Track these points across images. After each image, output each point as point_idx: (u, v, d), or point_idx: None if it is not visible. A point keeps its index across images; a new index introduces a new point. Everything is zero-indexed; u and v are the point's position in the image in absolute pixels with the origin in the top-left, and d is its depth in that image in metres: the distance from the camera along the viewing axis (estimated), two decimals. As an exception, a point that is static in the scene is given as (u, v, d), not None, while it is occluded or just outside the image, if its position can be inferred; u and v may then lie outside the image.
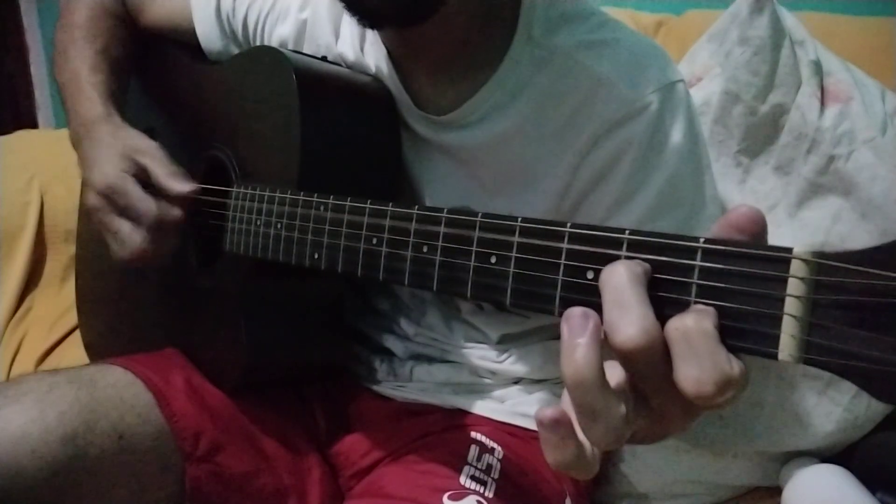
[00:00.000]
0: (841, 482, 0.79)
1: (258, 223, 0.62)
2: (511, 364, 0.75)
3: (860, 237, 0.80)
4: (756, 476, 0.87)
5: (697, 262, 0.32)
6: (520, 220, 0.38)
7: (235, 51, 0.80)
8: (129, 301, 0.86)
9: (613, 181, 0.61)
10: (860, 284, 0.28)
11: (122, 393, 0.64)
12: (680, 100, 0.62)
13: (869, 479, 0.79)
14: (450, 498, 0.61)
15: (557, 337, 0.33)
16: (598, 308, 0.32)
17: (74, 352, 1.06)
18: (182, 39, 0.84)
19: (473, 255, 0.41)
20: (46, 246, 1.23)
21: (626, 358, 0.31)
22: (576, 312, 0.32)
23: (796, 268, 0.29)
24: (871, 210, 0.79)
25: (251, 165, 0.68)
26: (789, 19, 0.87)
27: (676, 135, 0.61)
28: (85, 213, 0.95)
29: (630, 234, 0.34)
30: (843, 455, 0.84)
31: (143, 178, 0.69)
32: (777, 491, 0.84)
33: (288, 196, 0.58)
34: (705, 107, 0.86)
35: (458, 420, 0.74)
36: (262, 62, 0.69)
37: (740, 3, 0.86)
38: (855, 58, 0.91)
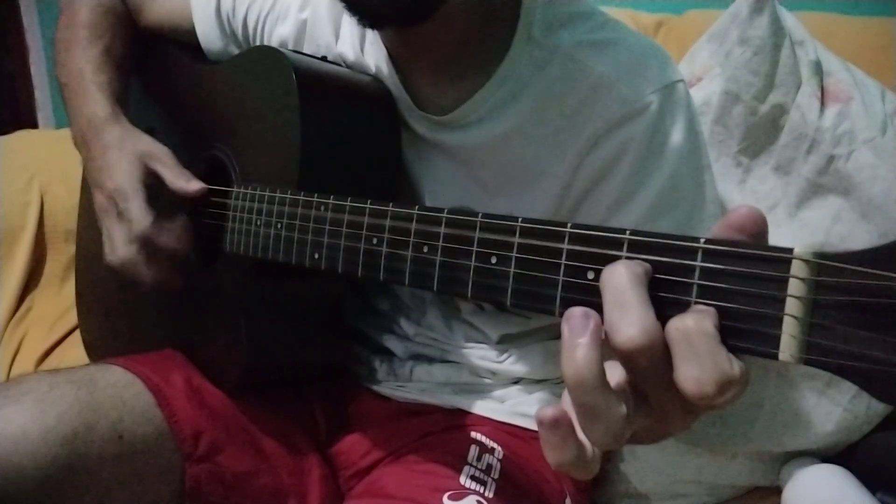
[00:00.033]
0: (841, 482, 0.79)
1: (258, 223, 0.62)
2: (511, 364, 0.75)
3: (860, 237, 0.80)
4: (756, 476, 0.87)
5: (698, 263, 0.32)
6: (520, 220, 0.38)
7: (235, 51, 0.80)
8: (129, 301, 0.86)
9: (613, 181, 0.61)
10: (861, 285, 0.28)
11: (122, 393, 0.64)
12: (680, 100, 0.62)
13: (869, 479, 0.79)
14: (450, 498, 0.61)
15: (557, 337, 0.33)
16: (598, 308, 0.32)
17: (74, 352, 1.06)
18: (182, 39, 0.84)
19: (474, 255, 0.41)
20: (46, 246, 1.23)
21: (627, 358, 0.31)
22: (576, 312, 0.32)
23: (797, 268, 0.29)
24: (871, 210, 0.79)
25: (251, 165, 0.68)
26: (789, 19, 0.87)
27: (676, 135, 0.61)
28: (85, 213, 0.95)
29: (631, 234, 0.34)
30: (843, 455, 0.85)
31: (154, 183, 0.70)
32: (777, 491, 0.84)
33: (288, 196, 0.58)
34: (705, 107, 0.86)
35: (458, 420, 0.74)
36: (262, 62, 0.69)
37: (740, 3, 0.86)
38: (855, 58, 0.91)
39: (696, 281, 0.32)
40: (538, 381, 0.77)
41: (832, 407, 0.82)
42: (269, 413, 0.73)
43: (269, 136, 0.66)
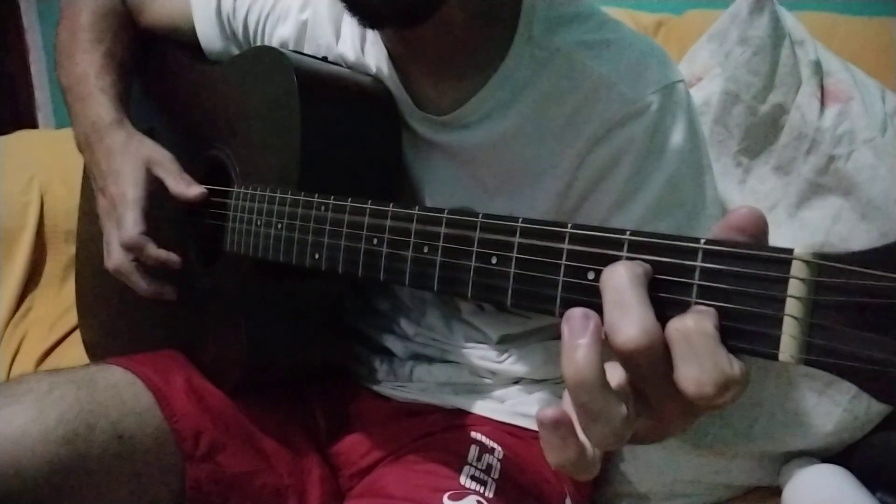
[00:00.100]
0: (841, 482, 0.79)
1: (259, 223, 0.62)
2: (511, 364, 0.75)
3: (860, 237, 0.80)
4: (756, 476, 0.88)
5: (698, 263, 0.32)
6: (520, 220, 0.38)
7: (235, 51, 0.80)
8: (129, 301, 0.86)
9: (614, 181, 0.61)
10: (861, 285, 0.28)
11: (122, 393, 0.64)
12: (680, 100, 0.62)
13: (869, 479, 0.79)
14: (450, 498, 0.61)
15: (558, 337, 0.33)
16: (598, 309, 0.32)
17: (74, 352, 1.06)
18: (182, 40, 0.84)
19: (474, 255, 0.41)
20: (46, 246, 1.23)
21: (627, 358, 0.31)
22: (576, 313, 0.32)
23: (797, 269, 0.29)
24: (871, 210, 0.79)
25: (252, 166, 0.68)
26: (789, 19, 0.87)
27: (677, 135, 0.61)
28: (85, 214, 0.95)
29: (631, 234, 0.34)
30: (843, 455, 0.85)
31: (157, 188, 0.72)
32: (777, 491, 0.84)
33: (288, 196, 0.58)
34: (705, 107, 0.86)
35: (459, 420, 0.74)
36: (262, 62, 0.69)
37: (740, 3, 0.86)
38: (855, 58, 0.91)
39: (696, 281, 0.32)
40: (538, 382, 0.77)
41: (832, 407, 0.82)
42: (269, 413, 0.73)
43: (269, 137, 0.66)
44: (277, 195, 0.60)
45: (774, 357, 0.30)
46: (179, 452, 0.65)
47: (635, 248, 0.34)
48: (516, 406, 0.75)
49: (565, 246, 0.36)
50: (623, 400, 0.32)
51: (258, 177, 0.66)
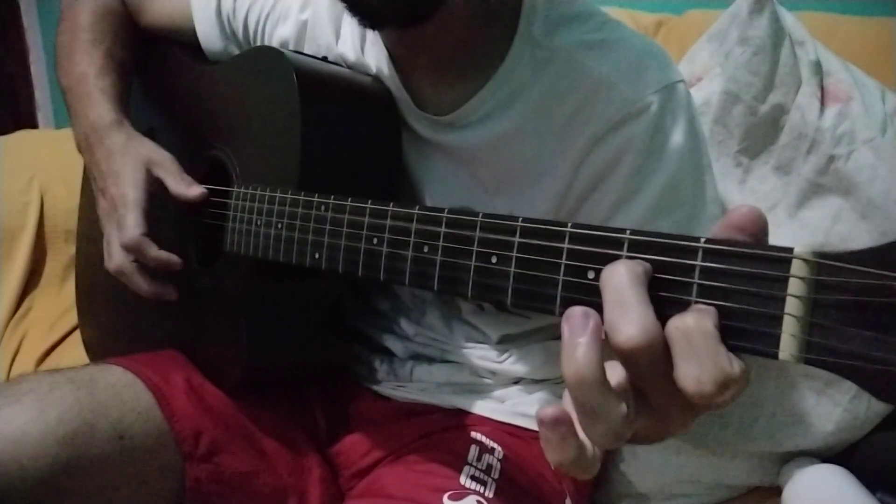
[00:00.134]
0: (841, 482, 0.79)
1: (259, 223, 0.62)
2: (511, 364, 0.75)
3: (860, 237, 0.80)
4: (756, 476, 0.87)
5: (698, 262, 0.32)
6: (521, 220, 0.38)
7: (235, 51, 0.80)
8: (129, 301, 0.86)
9: (614, 181, 0.61)
10: (861, 284, 0.28)
11: (122, 393, 0.64)
12: (680, 100, 0.62)
13: (869, 479, 0.79)
14: (450, 498, 0.61)
15: (558, 337, 0.33)
16: (598, 308, 0.32)
17: (74, 352, 1.06)
18: (182, 40, 0.84)
19: (474, 255, 0.41)
20: (46, 246, 1.23)
21: (627, 357, 0.31)
22: (576, 312, 0.32)
23: (797, 268, 0.29)
24: (871, 210, 0.79)
25: (252, 165, 0.68)
26: (789, 19, 0.87)
27: (677, 135, 0.61)
28: (85, 214, 0.95)
29: (631, 234, 0.34)
30: (843, 455, 0.84)
31: (157, 189, 0.72)
32: (777, 491, 0.84)
33: (289, 196, 0.58)
34: (705, 107, 0.86)
35: (459, 420, 0.74)
36: (262, 62, 0.69)
37: (740, 3, 0.86)
38: (855, 58, 0.91)
39: (696, 280, 0.32)
40: (538, 381, 0.77)
41: (832, 407, 0.82)
42: (269, 413, 0.73)
43: (269, 137, 0.66)
44: (277, 195, 0.60)
45: (774, 356, 0.30)
46: (179, 452, 0.64)
47: (635, 247, 0.34)
48: (516, 406, 0.75)
49: (565, 245, 0.36)
50: (623, 399, 0.32)
51: (258, 177, 0.66)
